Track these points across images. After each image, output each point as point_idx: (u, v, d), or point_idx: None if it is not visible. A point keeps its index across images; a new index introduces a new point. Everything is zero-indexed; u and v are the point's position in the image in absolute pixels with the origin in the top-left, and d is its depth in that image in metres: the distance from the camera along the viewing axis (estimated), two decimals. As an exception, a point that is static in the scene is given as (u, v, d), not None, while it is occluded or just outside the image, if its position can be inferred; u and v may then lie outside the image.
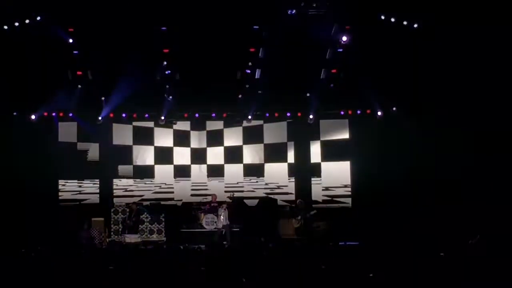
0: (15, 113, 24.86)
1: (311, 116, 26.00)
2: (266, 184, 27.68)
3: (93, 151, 26.79)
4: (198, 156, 27.65)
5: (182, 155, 27.64)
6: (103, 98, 24.78)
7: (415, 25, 21.74)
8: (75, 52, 22.62)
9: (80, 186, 26.81)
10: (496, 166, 21.99)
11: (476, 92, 21.89)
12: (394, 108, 25.37)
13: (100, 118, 25.28)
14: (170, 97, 24.94)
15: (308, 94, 25.18)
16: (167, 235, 24.54)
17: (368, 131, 25.91)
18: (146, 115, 26.44)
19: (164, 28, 21.78)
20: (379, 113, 25.47)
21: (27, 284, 10.93)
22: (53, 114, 25.66)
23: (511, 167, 21.75)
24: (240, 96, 25.11)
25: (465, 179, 22.65)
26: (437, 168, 23.51)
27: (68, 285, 10.80)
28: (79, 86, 24.34)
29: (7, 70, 22.84)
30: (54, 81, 23.72)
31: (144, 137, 27.36)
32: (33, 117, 24.81)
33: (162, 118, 25.67)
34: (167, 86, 24.53)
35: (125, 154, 27.17)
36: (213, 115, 26.58)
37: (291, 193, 27.29)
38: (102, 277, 11.63)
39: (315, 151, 27.25)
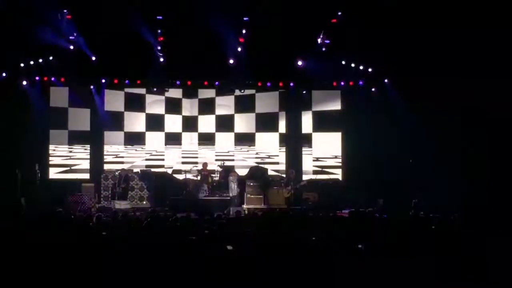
0: (4, 74, 24.59)
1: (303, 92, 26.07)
2: (257, 153, 27.72)
3: (84, 116, 26.63)
4: (190, 124, 27.63)
5: (173, 123, 27.62)
6: (94, 60, 24.53)
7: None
8: (67, 17, 22.41)
9: (70, 152, 26.74)
10: (482, 139, 22.08)
11: (466, 67, 21.89)
12: (386, 80, 25.34)
13: (92, 87, 25.23)
14: (163, 60, 24.69)
15: (300, 63, 24.96)
16: (157, 202, 24.51)
17: (360, 103, 25.89)
18: (138, 82, 26.24)
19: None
20: (372, 88, 25.49)
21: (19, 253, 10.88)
22: (45, 78, 25.44)
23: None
24: (231, 61, 24.83)
25: (455, 152, 22.76)
26: (427, 140, 23.54)
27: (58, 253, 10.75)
28: (72, 49, 24.05)
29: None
30: (45, 45, 23.48)
31: (135, 103, 27.26)
32: (24, 82, 24.68)
33: (154, 88, 25.62)
34: (161, 54, 24.37)
35: (116, 120, 27.06)
36: (205, 83, 26.45)
37: (282, 163, 27.36)
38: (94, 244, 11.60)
39: (307, 121, 27.25)
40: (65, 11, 22.28)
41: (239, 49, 24.15)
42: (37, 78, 25.16)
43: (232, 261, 10.48)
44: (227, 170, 25.69)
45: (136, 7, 21.86)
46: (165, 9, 22.15)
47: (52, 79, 25.50)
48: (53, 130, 26.32)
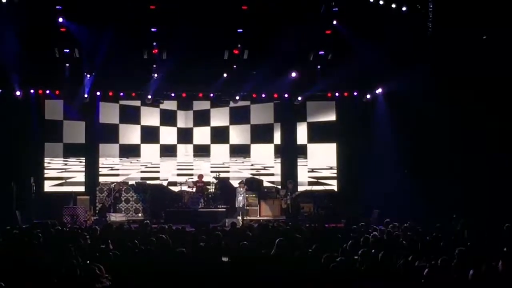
0: (0, 90, 24.57)
1: (299, 98, 26.09)
2: (252, 164, 27.74)
3: (79, 129, 26.61)
4: (185, 135, 27.65)
5: (168, 134, 27.63)
6: (88, 76, 24.50)
7: (404, 8, 21.71)
8: (62, 29, 22.36)
9: (65, 164, 26.73)
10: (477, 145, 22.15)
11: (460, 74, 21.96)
12: (379, 90, 25.37)
13: (86, 96, 25.12)
14: (156, 75, 24.69)
15: (294, 75, 24.96)
16: (152, 214, 24.47)
17: (354, 113, 25.95)
18: (133, 94, 26.21)
19: (152, 6, 21.59)
20: (367, 95, 25.56)
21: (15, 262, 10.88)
22: (40, 91, 25.42)
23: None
24: (225, 75, 24.85)
25: (450, 160, 22.80)
26: (422, 150, 23.56)
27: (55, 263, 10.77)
28: (67, 64, 24.04)
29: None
30: (41, 58, 23.47)
31: (130, 116, 27.27)
32: (18, 93, 24.63)
33: (149, 97, 25.57)
34: (154, 66, 24.34)
35: (111, 132, 27.05)
36: (200, 95, 26.46)
37: (277, 174, 27.37)
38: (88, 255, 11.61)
39: (302, 132, 27.28)
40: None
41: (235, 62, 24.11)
42: (32, 91, 25.10)
43: (228, 272, 10.50)
44: (223, 182, 25.74)
45: (130, 19, 21.84)
46: (160, 22, 22.12)
47: (47, 91, 25.47)
48: (48, 143, 26.28)
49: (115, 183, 25.40)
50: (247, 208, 24.61)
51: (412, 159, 23.72)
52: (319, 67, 24.56)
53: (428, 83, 22.71)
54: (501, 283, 9.92)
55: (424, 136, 23.40)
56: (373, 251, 11.67)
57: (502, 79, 20.78)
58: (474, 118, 21.73)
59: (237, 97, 26.09)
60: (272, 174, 27.56)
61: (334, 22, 22.40)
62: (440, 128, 22.96)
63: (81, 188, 26.10)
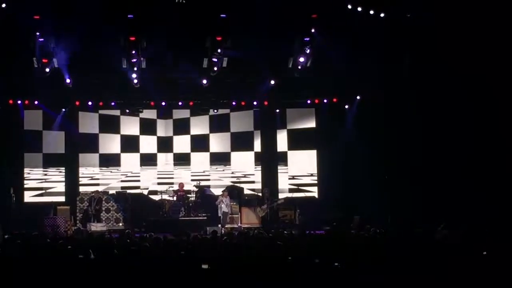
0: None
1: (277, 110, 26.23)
2: (233, 172, 27.74)
3: (59, 139, 26.50)
4: (165, 144, 27.62)
5: (148, 144, 27.59)
6: (68, 82, 24.42)
7: (382, 15, 21.86)
8: (40, 40, 22.26)
9: (45, 174, 26.62)
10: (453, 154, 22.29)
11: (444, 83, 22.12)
12: (358, 97, 25.49)
13: (63, 110, 25.19)
14: (136, 82, 24.63)
15: (272, 82, 24.99)
16: (133, 223, 24.42)
17: (334, 120, 26.03)
18: (113, 103, 26.11)
19: (131, 15, 21.53)
20: (346, 105, 25.66)
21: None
22: (19, 102, 25.30)
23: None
24: (205, 82, 24.74)
25: (427, 165, 22.94)
26: (401, 155, 23.67)
27: (36, 275, 10.71)
28: (47, 72, 23.80)
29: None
30: (19, 68, 23.39)
31: (110, 125, 27.20)
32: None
33: (127, 110, 25.60)
34: (134, 75, 24.22)
35: (91, 142, 26.97)
36: (180, 103, 26.42)
37: (257, 182, 27.38)
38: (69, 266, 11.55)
39: (282, 139, 27.32)
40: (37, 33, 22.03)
41: (215, 68, 24.01)
42: (10, 101, 25.00)
43: (208, 280, 10.50)
44: (203, 190, 25.75)
45: (110, 29, 21.79)
46: (138, 30, 22.06)
47: (26, 102, 25.37)
48: (28, 153, 26.16)
49: (93, 193, 25.26)
50: (231, 215, 24.61)
51: (393, 165, 23.83)
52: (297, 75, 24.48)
53: (405, 91, 22.91)
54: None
55: (403, 142, 23.53)
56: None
57: (481, 82, 20.99)
58: (452, 123, 21.95)
59: (216, 106, 26.18)
60: (253, 182, 27.57)
61: (313, 30, 22.40)
62: (417, 133, 23.13)
63: (62, 198, 26.00)
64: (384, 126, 24.15)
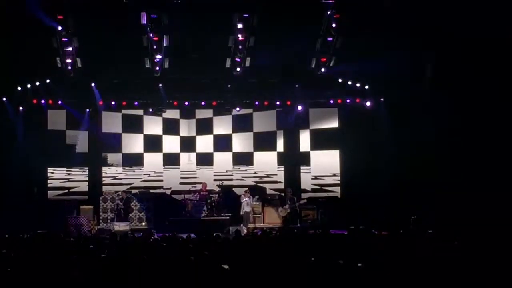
0: (4, 99, 24.59)
1: (299, 108, 26.11)
2: (255, 172, 27.70)
3: (82, 139, 26.63)
4: (187, 144, 27.63)
5: (171, 143, 27.61)
6: (93, 84, 24.59)
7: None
8: (64, 39, 22.35)
9: (69, 174, 26.74)
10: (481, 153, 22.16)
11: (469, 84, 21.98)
12: (382, 99, 25.38)
13: (87, 110, 25.38)
14: (160, 84, 24.79)
15: (296, 86, 25.02)
16: (156, 223, 24.49)
17: (357, 120, 25.92)
18: (136, 103, 26.21)
19: (154, 16, 21.54)
20: (368, 103, 25.50)
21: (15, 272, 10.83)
22: (42, 102, 25.42)
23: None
24: (229, 86, 24.93)
25: (453, 167, 22.79)
26: (426, 157, 23.52)
27: (57, 273, 10.73)
28: (71, 74, 23.87)
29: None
30: (43, 68, 23.52)
31: (133, 125, 27.27)
32: (21, 108, 24.78)
33: (151, 109, 25.72)
34: (157, 75, 24.29)
35: (114, 142, 27.07)
36: (203, 103, 26.45)
37: (280, 182, 27.34)
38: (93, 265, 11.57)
39: (305, 139, 27.26)
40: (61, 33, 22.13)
41: (238, 69, 23.98)
42: (34, 101, 25.14)
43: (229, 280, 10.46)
44: (227, 190, 25.77)
45: (134, 28, 21.86)
46: (162, 31, 22.08)
47: (50, 102, 25.49)
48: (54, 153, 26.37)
49: (119, 192, 25.39)
50: (253, 215, 24.63)
51: (418, 166, 23.67)
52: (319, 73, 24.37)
53: (430, 91, 22.79)
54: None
55: (428, 143, 23.38)
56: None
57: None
58: (473, 126, 21.83)
59: (238, 108, 26.24)
60: (276, 182, 27.52)
61: (335, 29, 22.25)
62: (442, 134, 22.97)
63: (85, 198, 26.12)
64: (410, 127, 23.98)
